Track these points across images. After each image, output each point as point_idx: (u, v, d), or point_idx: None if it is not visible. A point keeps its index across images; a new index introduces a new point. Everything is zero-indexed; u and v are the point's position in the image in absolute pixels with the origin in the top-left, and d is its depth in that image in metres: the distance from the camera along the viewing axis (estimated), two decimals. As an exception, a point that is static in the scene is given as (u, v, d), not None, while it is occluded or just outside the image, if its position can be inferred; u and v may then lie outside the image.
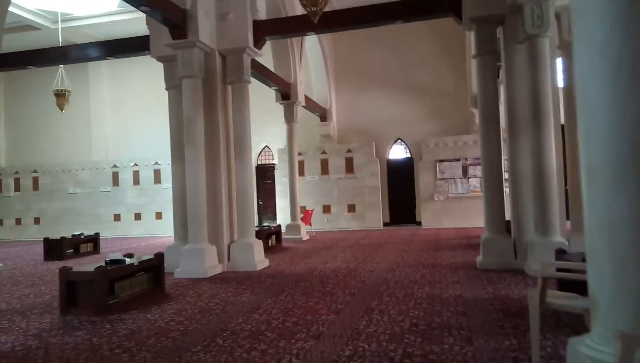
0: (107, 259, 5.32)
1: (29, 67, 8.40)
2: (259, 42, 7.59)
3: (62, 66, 13.13)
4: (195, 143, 7.02)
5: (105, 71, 17.07)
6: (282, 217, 14.61)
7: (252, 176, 7.65)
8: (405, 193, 15.28)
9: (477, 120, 8.51)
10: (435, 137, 14.52)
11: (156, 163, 16.19)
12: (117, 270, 5.03)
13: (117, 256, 5.34)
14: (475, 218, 12.89)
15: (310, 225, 12.71)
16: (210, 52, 7.34)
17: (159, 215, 16.10)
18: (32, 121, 17.68)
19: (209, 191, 7.31)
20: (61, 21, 14.81)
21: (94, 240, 11.05)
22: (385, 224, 14.88)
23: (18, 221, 17.27)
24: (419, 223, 14.68)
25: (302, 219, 12.17)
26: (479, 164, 8.54)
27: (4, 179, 17.40)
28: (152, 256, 5.76)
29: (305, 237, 11.82)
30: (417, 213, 15.01)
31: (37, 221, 17.10)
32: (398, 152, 15.65)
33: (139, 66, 16.61)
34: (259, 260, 7.47)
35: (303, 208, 13.38)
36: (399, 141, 15.53)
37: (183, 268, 6.90)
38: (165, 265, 6.95)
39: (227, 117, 7.61)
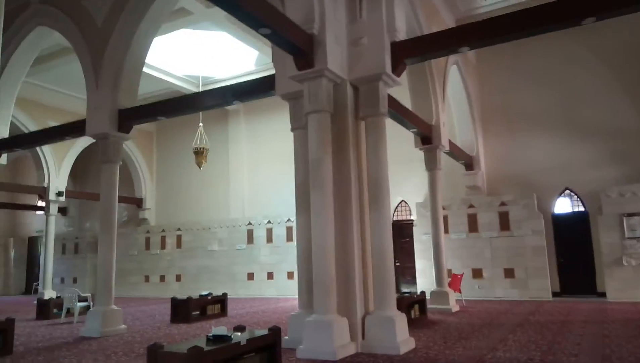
0: (210, 335, 4.15)
1: (159, 118, 8.16)
2: (397, 68, 6.30)
3: (201, 124, 13.48)
4: (323, 187, 5.79)
5: (243, 129, 17.41)
6: (423, 282, 12.64)
7: (390, 229, 6.12)
8: (579, 256, 12.29)
9: None
10: (618, 185, 11.56)
11: (289, 220, 15.59)
12: (218, 352, 3.80)
13: (222, 331, 4.14)
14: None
15: (460, 292, 10.55)
16: (341, 83, 6.23)
17: (290, 275, 15.26)
18: (178, 181, 18.59)
19: (339, 247, 5.95)
20: (203, 85, 15.55)
21: (222, 301, 10.33)
22: (554, 295, 11.98)
23: (162, 278, 17.83)
24: (602, 294, 11.50)
25: (449, 285, 10.12)
26: None
27: (152, 237, 18.31)
28: (266, 332, 4.47)
29: (454, 308, 9.71)
30: (599, 281, 11.86)
31: (178, 278, 17.46)
32: (566, 205, 12.84)
33: (275, 123, 16.65)
34: (403, 339, 5.75)
35: (449, 272, 11.33)
36: (567, 191, 12.76)
37: (307, 346, 5.49)
38: (288, 338, 5.65)
39: (359, 158, 6.32)
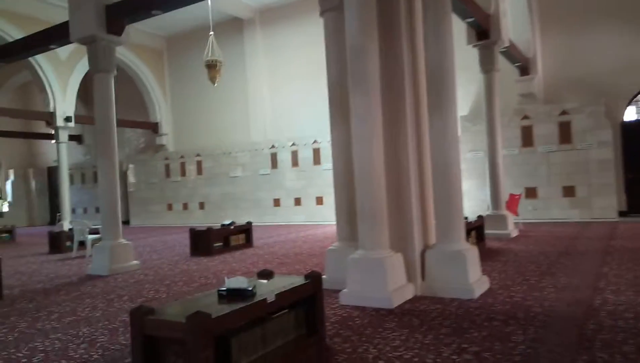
0: (222, 288, 2.91)
1: (154, 12, 6.58)
2: None
3: (212, 33, 11.76)
4: (367, 86, 4.28)
5: (260, 42, 15.56)
6: (470, 205, 11.28)
7: (457, 139, 4.64)
8: (652, 170, 10.67)
9: None
10: None
11: (315, 141, 14.20)
12: (233, 318, 2.56)
13: (240, 282, 2.89)
14: None
15: (518, 215, 9.19)
16: (389, -60, 4.51)
17: (319, 200, 14.15)
18: (193, 102, 17.19)
19: (389, 165, 4.55)
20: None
21: (246, 230, 9.27)
22: (621, 214, 10.52)
23: (185, 206, 17.02)
24: (679, 214, 10.01)
25: (506, 207, 8.74)
26: None
27: (172, 163, 17.28)
28: (302, 280, 3.21)
29: (513, 232, 8.40)
30: (676, 199, 10.32)
31: (201, 206, 16.61)
32: (637, 112, 11.01)
33: (295, 33, 14.79)
34: (476, 279, 4.48)
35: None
36: (641, 95, 10.88)
37: (352, 290, 4.28)
38: (325, 277, 4.50)
39: (414, 45, 4.74)
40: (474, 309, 3.93)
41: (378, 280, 4.16)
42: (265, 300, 2.79)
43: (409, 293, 4.39)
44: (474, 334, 3.31)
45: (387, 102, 4.58)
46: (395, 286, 4.22)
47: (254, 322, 2.77)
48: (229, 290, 2.88)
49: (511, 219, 8.56)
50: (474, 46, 8.48)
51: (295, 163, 14.65)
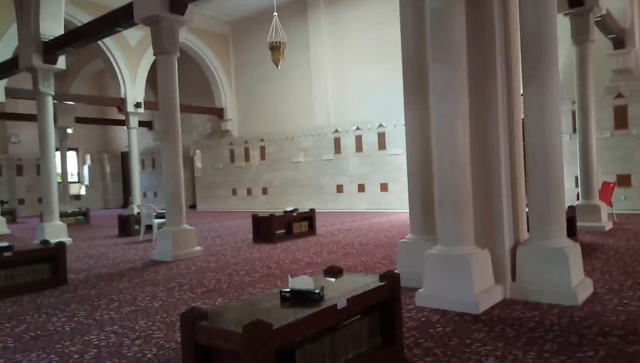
0: (286, 289, 2.50)
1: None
2: None
3: (275, 13, 11.44)
4: (451, 55, 3.69)
5: (325, 22, 15.06)
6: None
7: (559, 116, 3.93)
8: None
9: None
10: None
11: (380, 125, 13.59)
12: (297, 327, 2.14)
13: (305, 283, 2.48)
14: None
15: (611, 206, 8.16)
16: None
17: (384, 187, 13.56)
18: (257, 87, 17.05)
19: (475, 147, 3.95)
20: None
21: (309, 217, 8.92)
22: None
23: (249, 191, 17.04)
24: None
25: (600, 196, 7.76)
26: None
27: (236, 149, 17.33)
28: (377, 281, 2.74)
29: (607, 225, 7.43)
30: None
31: (265, 191, 16.54)
32: None
33: (362, 11, 14.17)
34: (578, 281, 3.80)
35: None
36: None
37: (431, 290, 3.76)
38: (397, 272, 4.02)
39: (507, 11, 4.07)
40: (581, 319, 3.28)
41: (462, 280, 3.60)
42: (335, 306, 2.35)
43: (497, 296, 3.80)
44: (589, 353, 2.69)
45: (474, 74, 3.96)
46: (481, 288, 3.65)
47: (321, 331, 2.34)
48: (293, 292, 2.47)
49: (605, 210, 7.58)
50: (566, 15, 7.50)
51: (359, 147, 14.13)
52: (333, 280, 2.91)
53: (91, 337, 3.45)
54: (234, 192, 17.46)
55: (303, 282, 2.52)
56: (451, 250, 3.71)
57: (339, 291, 2.58)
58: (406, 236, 4.69)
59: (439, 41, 3.73)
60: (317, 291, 2.44)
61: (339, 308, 2.36)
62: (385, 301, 2.72)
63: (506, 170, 4.01)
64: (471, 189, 3.80)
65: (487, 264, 3.80)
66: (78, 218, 13.79)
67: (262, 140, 16.56)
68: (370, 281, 2.76)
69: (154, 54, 6.88)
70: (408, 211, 4.68)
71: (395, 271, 4.54)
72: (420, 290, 3.83)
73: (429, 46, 3.86)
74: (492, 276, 3.85)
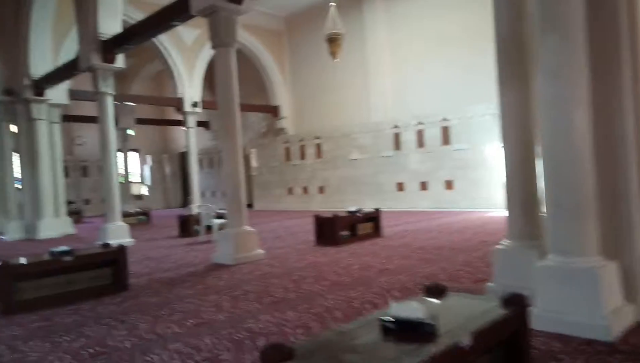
0: (388, 319, 1.97)
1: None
2: None
3: (332, 4, 10.96)
4: (565, 27, 3.03)
5: (381, 11, 14.41)
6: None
7: None
8: None
9: None
10: None
11: (444, 119, 12.80)
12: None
13: (411, 310, 1.94)
14: None
15: None
16: None
17: (448, 184, 12.77)
18: (312, 83, 16.68)
19: (598, 140, 3.25)
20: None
21: (374, 218, 8.36)
22: None
23: (305, 190, 16.70)
24: None
25: None
26: None
27: (292, 147, 17.04)
28: (497, 307, 2.16)
29: None
30: None
31: (321, 190, 16.14)
32: None
33: (419, 1, 13.45)
34: None
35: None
36: None
37: (546, 310, 3.10)
38: (493, 285, 3.45)
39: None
40: None
41: (587, 299, 2.94)
42: (458, 344, 1.80)
43: (628, 317, 3.09)
44: None
45: (593, 53, 3.26)
46: (611, 308, 2.97)
47: (439, 376, 1.80)
48: (398, 322, 1.94)
49: None
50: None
51: (420, 143, 13.40)
52: (437, 302, 2.35)
53: (153, 356, 3.08)
54: (290, 191, 17.18)
55: (409, 309, 1.98)
56: (572, 261, 3.04)
57: (452, 320, 2.02)
58: (502, 242, 4.03)
59: (550, 13, 3.06)
60: (430, 322, 1.89)
61: (463, 346, 1.80)
62: (511, 334, 2.13)
63: (637, 166, 3.28)
64: (593, 185, 3.12)
65: (615, 279, 3.11)
66: (140, 218, 13.94)
67: (317, 137, 16.16)
68: (490, 307, 2.19)
69: (212, 47, 6.57)
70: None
71: (490, 283, 3.94)
72: (534, 308, 3.18)
73: (537, 19, 3.21)
74: (621, 294, 3.15)
